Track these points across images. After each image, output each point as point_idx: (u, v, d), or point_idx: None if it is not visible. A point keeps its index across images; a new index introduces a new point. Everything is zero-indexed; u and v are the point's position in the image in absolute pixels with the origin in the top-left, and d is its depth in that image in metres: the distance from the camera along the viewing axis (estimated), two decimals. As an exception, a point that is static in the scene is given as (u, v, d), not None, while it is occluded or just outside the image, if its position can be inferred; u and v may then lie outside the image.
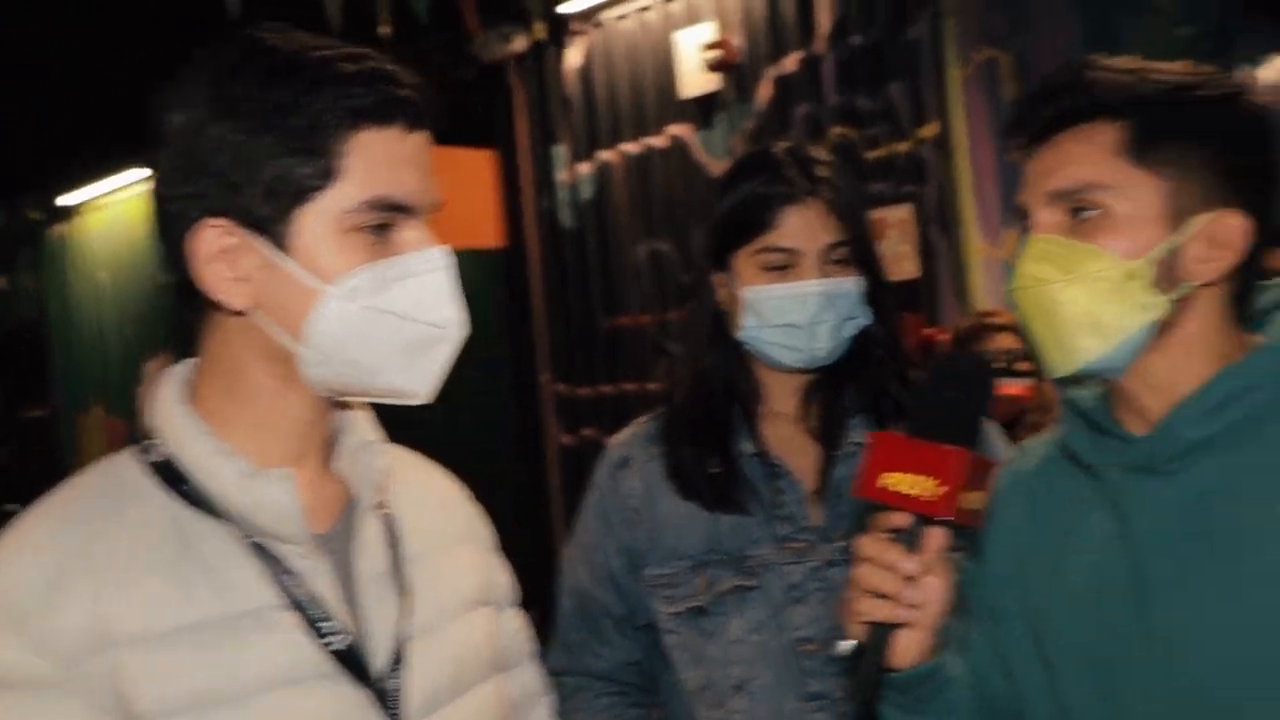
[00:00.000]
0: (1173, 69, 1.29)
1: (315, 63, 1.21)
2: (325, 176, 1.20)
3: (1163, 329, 1.26)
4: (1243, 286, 1.30)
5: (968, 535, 1.32)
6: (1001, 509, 1.44)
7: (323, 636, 1.26)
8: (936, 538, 1.24)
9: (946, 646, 1.32)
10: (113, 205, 9.58)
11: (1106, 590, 1.29)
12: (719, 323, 1.96)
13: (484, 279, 9.04)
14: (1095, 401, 1.33)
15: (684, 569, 1.91)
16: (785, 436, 1.95)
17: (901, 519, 1.24)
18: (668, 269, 6.42)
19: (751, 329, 1.89)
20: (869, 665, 1.25)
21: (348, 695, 1.25)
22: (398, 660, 1.30)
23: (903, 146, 5.68)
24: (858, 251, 1.89)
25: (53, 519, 1.23)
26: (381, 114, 1.22)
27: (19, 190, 9.66)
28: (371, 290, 1.22)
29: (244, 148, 1.19)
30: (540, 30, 6.77)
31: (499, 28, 6.79)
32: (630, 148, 6.55)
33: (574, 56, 6.75)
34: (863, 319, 1.90)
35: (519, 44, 6.92)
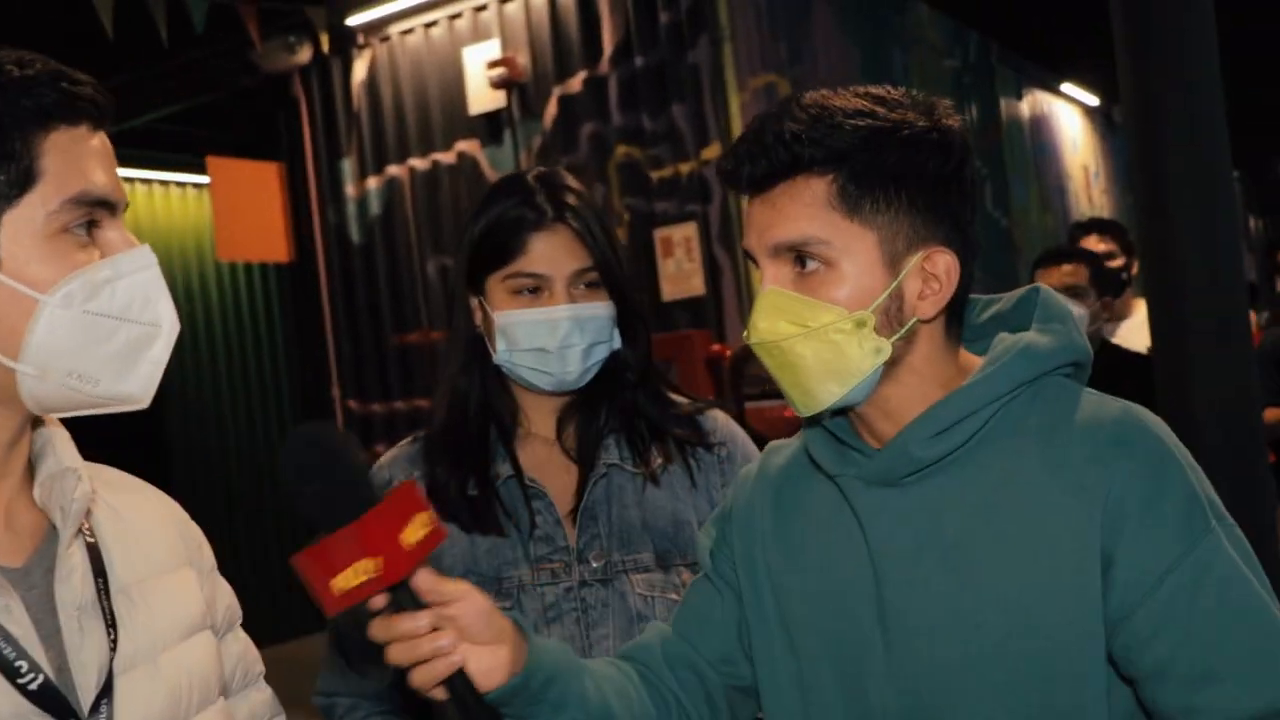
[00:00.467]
0: (863, 105, 1.33)
1: None
2: (24, 181, 1.18)
3: (891, 363, 1.34)
4: (955, 313, 1.38)
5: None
6: (747, 502, 1.53)
7: (19, 677, 1.21)
8: (421, 582, 1.26)
9: (529, 636, 1.36)
10: None
11: (848, 588, 1.37)
12: (476, 345, 1.96)
13: (272, 294, 8.89)
14: (839, 419, 1.41)
15: None
16: (542, 458, 1.96)
17: (379, 600, 1.25)
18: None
19: (504, 353, 1.91)
20: (470, 710, 1.28)
21: None
22: (107, 695, 1.27)
23: (686, 167, 5.90)
24: (607, 278, 1.92)
25: None
26: (69, 113, 1.20)
27: None
28: (86, 295, 1.20)
29: None
30: (325, 42, 6.74)
31: (284, 37, 6.74)
32: (419, 163, 6.62)
33: (360, 70, 6.77)
34: (613, 343, 1.93)
35: (304, 55, 6.85)
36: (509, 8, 6.33)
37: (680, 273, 5.99)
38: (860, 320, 1.32)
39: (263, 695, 1.55)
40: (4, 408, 1.23)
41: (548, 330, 1.87)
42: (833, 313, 1.32)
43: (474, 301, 1.94)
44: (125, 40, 5.65)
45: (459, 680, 1.27)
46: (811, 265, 1.33)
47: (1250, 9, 7.76)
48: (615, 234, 1.98)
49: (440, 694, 1.28)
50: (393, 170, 6.80)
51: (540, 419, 1.97)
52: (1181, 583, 1.23)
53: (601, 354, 1.91)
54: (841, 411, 1.40)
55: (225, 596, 1.52)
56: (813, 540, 1.42)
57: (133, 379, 1.25)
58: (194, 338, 8.00)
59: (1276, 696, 1.22)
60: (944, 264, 1.34)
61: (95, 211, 1.21)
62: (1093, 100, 11.34)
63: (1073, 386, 1.38)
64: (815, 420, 1.42)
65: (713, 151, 5.79)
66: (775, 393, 3.29)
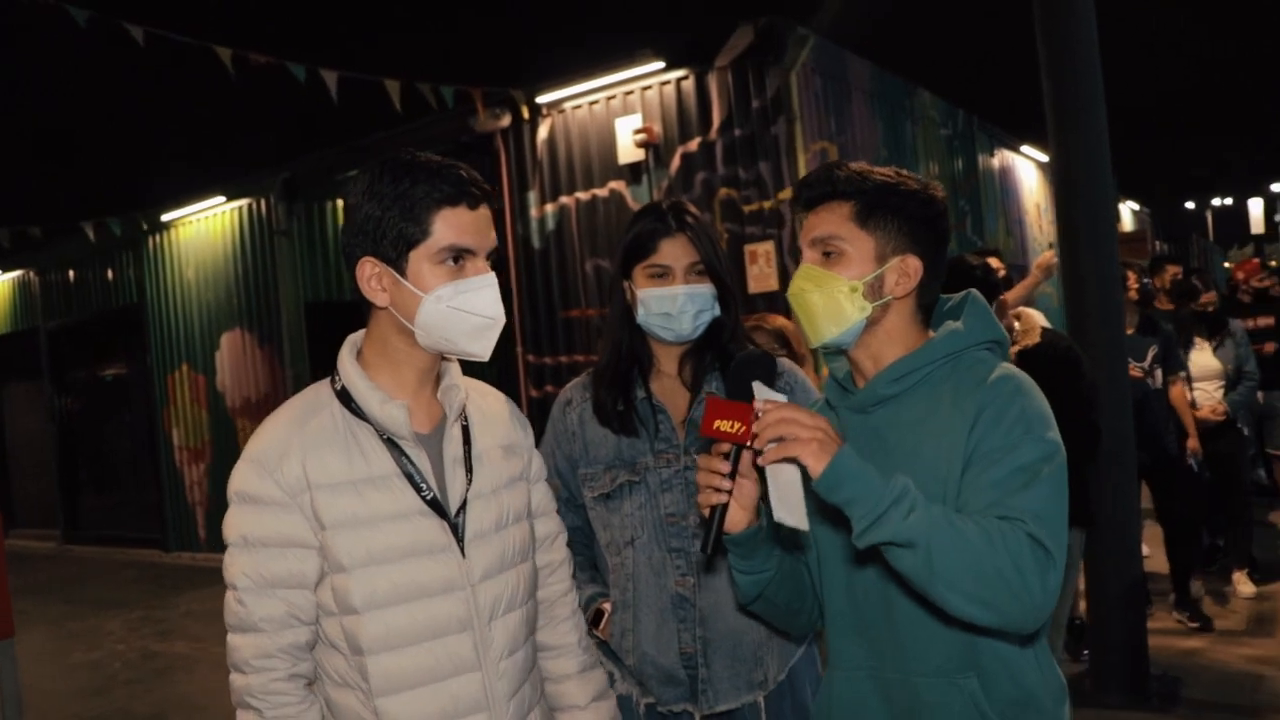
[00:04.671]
0: (884, 172, 1.52)
1: (420, 166, 1.46)
2: (424, 234, 1.45)
3: (872, 322, 1.52)
4: (922, 299, 1.56)
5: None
6: None
7: (420, 492, 1.49)
8: (746, 455, 1.44)
9: (761, 520, 1.51)
10: (198, 221, 10.14)
11: None
12: (626, 313, 2.10)
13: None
14: (845, 370, 1.61)
15: (599, 470, 2.10)
16: (666, 387, 2.11)
17: (724, 446, 1.43)
18: (605, 278, 6.89)
19: (643, 317, 2.05)
20: (714, 529, 1.44)
21: (434, 525, 1.50)
22: (464, 509, 1.52)
23: (768, 204, 6.52)
24: (710, 268, 2.06)
25: (283, 415, 1.52)
26: (454, 198, 1.45)
27: (130, 208, 10.19)
28: (451, 296, 1.45)
29: (382, 219, 1.44)
30: (523, 112, 7.56)
31: (493, 109, 7.47)
32: (582, 195, 7.35)
33: (543, 131, 7.54)
34: (714, 311, 2.07)
35: (505, 121, 7.63)
36: (648, 93, 6.98)
37: (761, 275, 6.52)
38: (853, 288, 1.48)
39: (555, 520, 1.79)
40: (419, 349, 1.52)
41: (671, 302, 2.01)
42: (837, 282, 1.49)
43: (625, 284, 2.11)
44: (405, 109, 6.57)
45: (717, 512, 1.44)
46: (831, 254, 1.50)
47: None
48: (718, 241, 2.09)
49: (705, 510, 1.44)
50: (564, 199, 7.34)
51: (666, 361, 2.12)
52: (997, 455, 1.40)
53: (706, 319, 2.06)
54: (842, 354, 1.57)
55: (538, 460, 1.75)
56: None
57: (477, 346, 1.49)
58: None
59: (1005, 503, 1.35)
60: (913, 265, 1.51)
61: (462, 254, 1.46)
62: (1043, 157, 11.40)
63: (985, 356, 1.53)
64: (833, 373, 1.60)
65: (786, 194, 6.30)
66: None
